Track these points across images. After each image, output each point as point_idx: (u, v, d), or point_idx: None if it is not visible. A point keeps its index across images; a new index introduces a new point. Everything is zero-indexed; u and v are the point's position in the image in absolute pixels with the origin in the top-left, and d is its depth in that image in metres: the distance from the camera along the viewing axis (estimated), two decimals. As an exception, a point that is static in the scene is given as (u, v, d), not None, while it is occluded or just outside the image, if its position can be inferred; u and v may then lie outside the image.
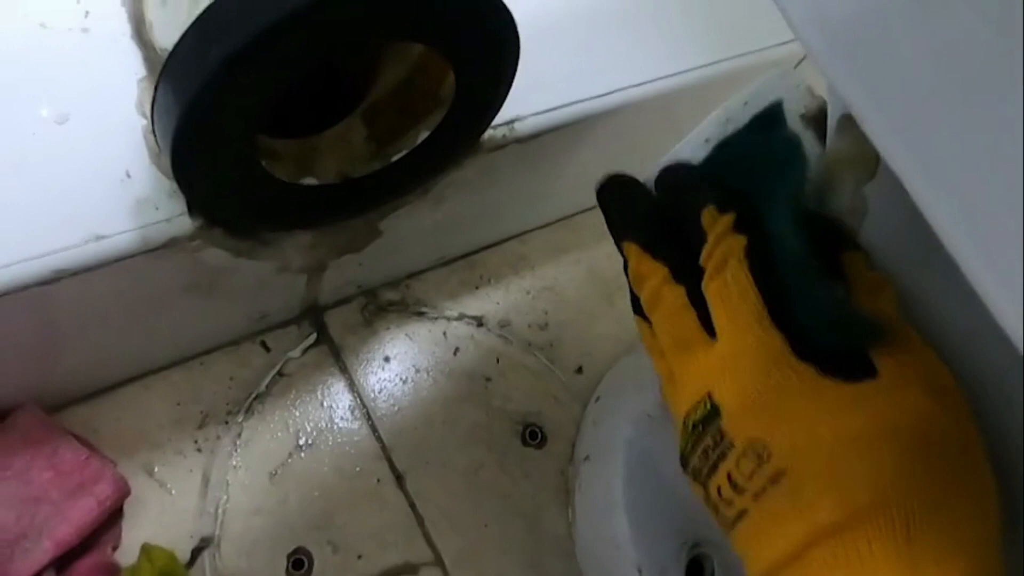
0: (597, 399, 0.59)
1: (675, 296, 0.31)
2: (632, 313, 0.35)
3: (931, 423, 0.26)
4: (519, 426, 0.58)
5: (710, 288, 0.30)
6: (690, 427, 0.29)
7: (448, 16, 0.33)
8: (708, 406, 0.28)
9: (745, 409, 0.27)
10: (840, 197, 0.33)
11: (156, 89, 0.32)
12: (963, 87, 0.18)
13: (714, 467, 0.28)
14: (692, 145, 0.38)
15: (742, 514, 0.27)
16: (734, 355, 0.28)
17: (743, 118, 0.38)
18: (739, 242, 0.29)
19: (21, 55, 0.38)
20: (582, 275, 0.66)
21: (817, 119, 0.37)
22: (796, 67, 0.57)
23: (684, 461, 0.30)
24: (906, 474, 0.24)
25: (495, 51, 0.37)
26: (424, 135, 0.42)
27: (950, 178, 0.18)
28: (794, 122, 0.36)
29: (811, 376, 0.26)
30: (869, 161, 0.32)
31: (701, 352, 0.30)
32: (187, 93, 0.30)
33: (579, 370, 0.61)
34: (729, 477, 0.27)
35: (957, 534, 0.24)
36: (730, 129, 0.38)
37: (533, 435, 0.58)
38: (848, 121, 0.32)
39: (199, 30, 0.30)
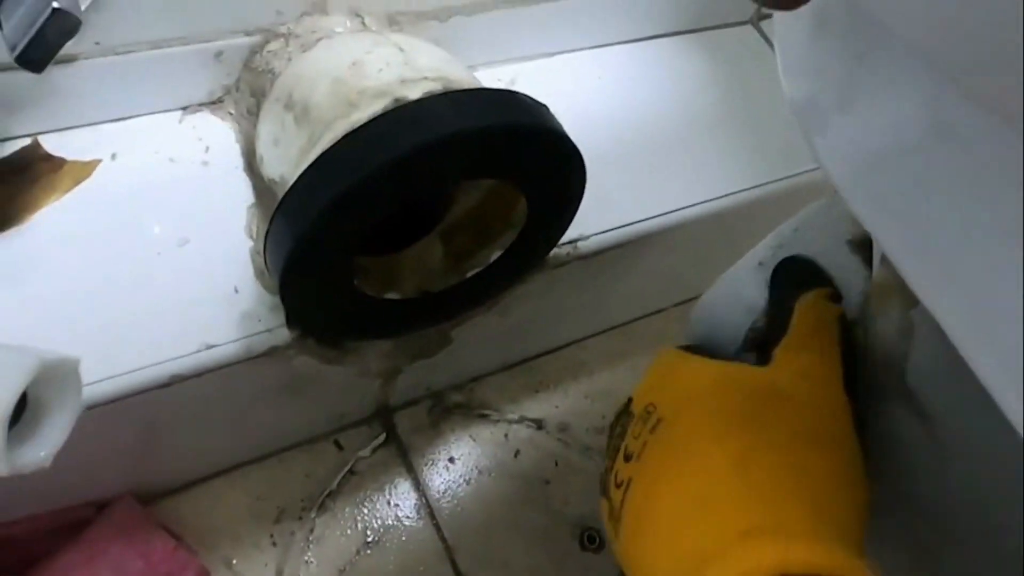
0: (655, 504, 0.59)
1: None
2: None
3: (771, 384, 0.30)
4: (578, 529, 0.59)
5: None
6: (608, 435, 0.34)
7: (525, 159, 0.38)
8: (626, 402, 0.34)
9: (645, 387, 0.33)
10: (888, 320, 0.36)
11: (271, 220, 0.36)
12: (986, 232, 0.21)
13: (616, 451, 0.32)
14: (746, 268, 0.41)
15: (627, 485, 0.30)
16: (648, 369, 0.34)
17: (794, 243, 0.41)
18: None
19: (153, 185, 0.44)
20: (639, 381, 0.68)
21: (863, 245, 0.39)
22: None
23: (602, 482, 0.33)
24: (754, 420, 0.29)
25: (564, 185, 0.41)
26: (496, 255, 0.46)
27: (979, 322, 0.21)
28: (841, 248, 0.39)
29: (700, 359, 0.33)
30: (914, 288, 0.34)
31: None
32: (300, 225, 0.35)
33: (636, 475, 0.62)
34: (625, 450, 0.31)
35: (800, 481, 0.28)
36: (782, 254, 0.41)
37: (591, 539, 0.59)
38: (893, 250, 0.35)
39: (313, 174, 0.35)
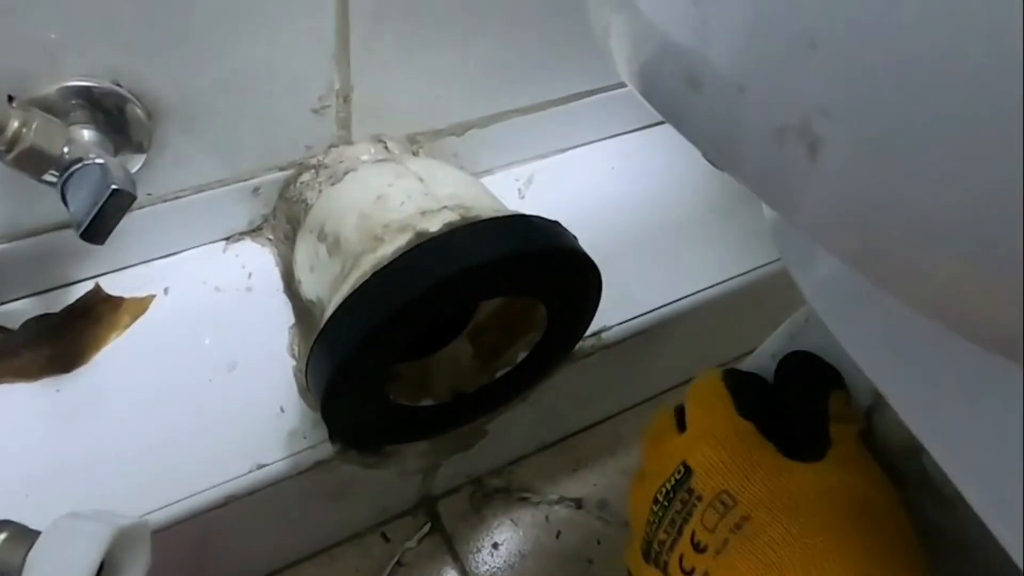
0: (698, 580, 0.60)
1: (664, 411, 0.37)
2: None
3: (869, 497, 0.30)
4: (623, 609, 0.60)
5: (688, 398, 0.36)
6: (660, 500, 0.33)
7: (540, 276, 0.41)
8: (681, 471, 0.32)
9: (716, 468, 0.31)
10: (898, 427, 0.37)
11: (311, 351, 0.39)
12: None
13: (679, 531, 0.31)
14: (760, 361, 0.42)
15: None
16: (707, 432, 0.33)
17: (807, 332, 0.43)
18: (714, 372, 0.37)
19: (203, 315, 0.47)
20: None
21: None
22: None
23: (646, 548, 0.33)
24: (855, 530, 0.28)
25: (581, 293, 0.44)
26: (523, 354, 0.48)
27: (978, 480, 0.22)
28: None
29: (773, 450, 0.32)
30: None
31: (675, 437, 0.35)
32: (337, 357, 0.38)
33: (678, 549, 0.63)
34: (693, 537, 0.30)
35: None
36: (795, 344, 0.42)
37: (638, 618, 0.59)
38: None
39: (345, 310, 0.38)
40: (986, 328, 0.13)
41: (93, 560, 0.24)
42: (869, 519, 0.29)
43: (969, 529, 0.35)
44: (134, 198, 0.35)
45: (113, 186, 0.34)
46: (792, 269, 0.28)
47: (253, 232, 0.51)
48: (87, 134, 0.37)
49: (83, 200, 0.34)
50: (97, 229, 0.34)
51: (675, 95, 0.16)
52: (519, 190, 0.59)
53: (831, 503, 0.29)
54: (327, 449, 0.44)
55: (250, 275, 0.50)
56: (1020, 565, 0.21)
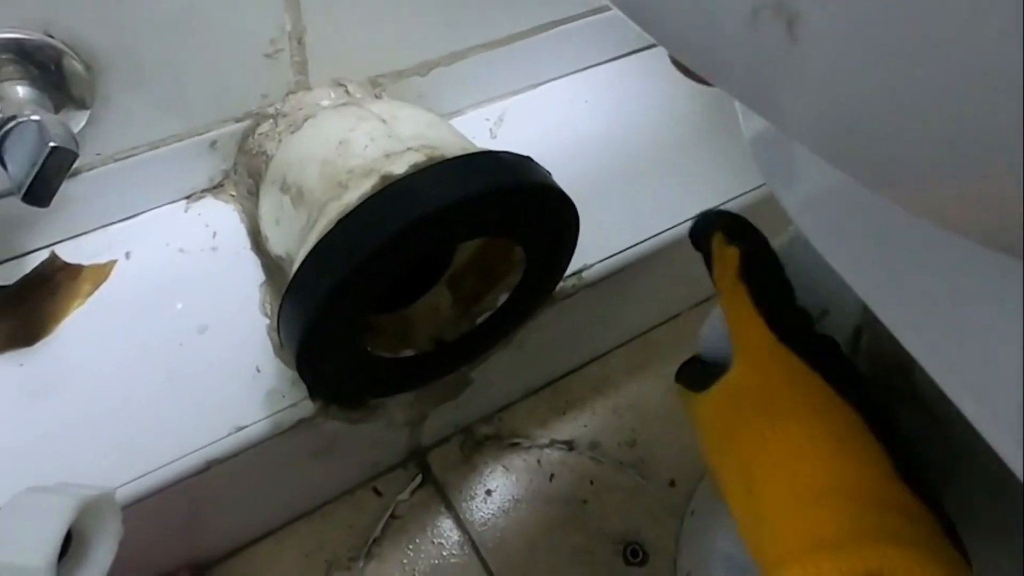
0: (692, 512, 0.60)
1: None
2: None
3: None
4: (620, 546, 0.60)
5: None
6: None
7: (514, 215, 0.39)
8: None
9: None
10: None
11: (280, 308, 0.38)
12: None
13: None
14: None
15: None
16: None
17: (788, 258, 0.42)
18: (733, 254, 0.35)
19: (168, 278, 0.45)
20: (664, 387, 0.69)
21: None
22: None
23: None
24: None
25: (558, 229, 0.42)
26: (503, 297, 0.47)
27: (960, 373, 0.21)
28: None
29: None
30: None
31: None
32: (307, 312, 0.36)
33: (672, 483, 0.63)
34: None
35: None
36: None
37: (635, 553, 0.60)
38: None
39: (311, 262, 0.36)
40: (988, 218, 0.12)
41: (56, 535, 0.23)
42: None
43: (960, 448, 0.35)
44: (76, 155, 0.32)
45: (52, 143, 0.32)
46: (774, 187, 0.26)
47: (215, 189, 0.49)
48: (21, 91, 0.35)
49: (21, 161, 0.32)
50: (39, 191, 0.32)
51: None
52: (490, 130, 0.57)
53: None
54: (308, 407, 0.43)
55: (215, 234, 0.48)
56: (1017, 471, 0.21)
